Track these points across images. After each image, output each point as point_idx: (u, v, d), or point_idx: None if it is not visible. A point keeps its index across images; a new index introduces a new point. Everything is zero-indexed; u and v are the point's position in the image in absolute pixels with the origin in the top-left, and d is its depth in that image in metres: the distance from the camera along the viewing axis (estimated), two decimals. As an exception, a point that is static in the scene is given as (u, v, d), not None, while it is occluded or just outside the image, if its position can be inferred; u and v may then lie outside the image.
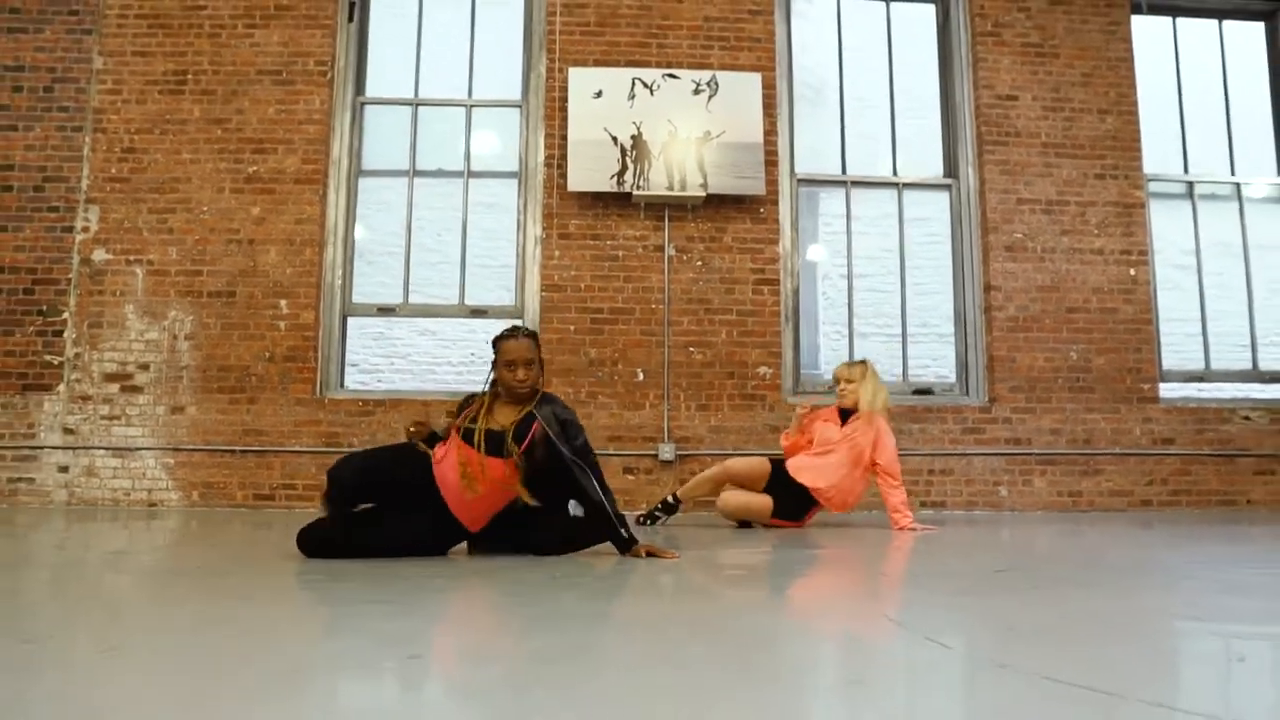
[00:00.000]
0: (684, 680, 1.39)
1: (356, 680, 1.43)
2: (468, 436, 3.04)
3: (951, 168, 6.40)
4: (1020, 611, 2.02)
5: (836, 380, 4.87)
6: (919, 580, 2.75)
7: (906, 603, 2.30)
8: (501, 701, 1.28)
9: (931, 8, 6.62)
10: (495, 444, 3.02)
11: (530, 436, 3.05)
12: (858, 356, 5.18)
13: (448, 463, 3.02)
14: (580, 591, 2.41)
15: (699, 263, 5.93)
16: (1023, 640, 1.70)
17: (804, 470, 4.68)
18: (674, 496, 4.84)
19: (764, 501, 4.64)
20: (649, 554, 3.05)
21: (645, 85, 5.89)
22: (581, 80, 5.86)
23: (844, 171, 6.40)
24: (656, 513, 4.82)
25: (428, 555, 3.09)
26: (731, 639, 1.76)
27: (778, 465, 4.76)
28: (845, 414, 4.83)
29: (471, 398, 3.23)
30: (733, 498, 4.69)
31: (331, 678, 1.45)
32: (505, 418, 3.08)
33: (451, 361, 7.15)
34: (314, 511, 5.47)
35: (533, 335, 3.17)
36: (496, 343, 3.16)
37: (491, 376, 3.21)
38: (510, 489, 3.07)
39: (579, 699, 1.26)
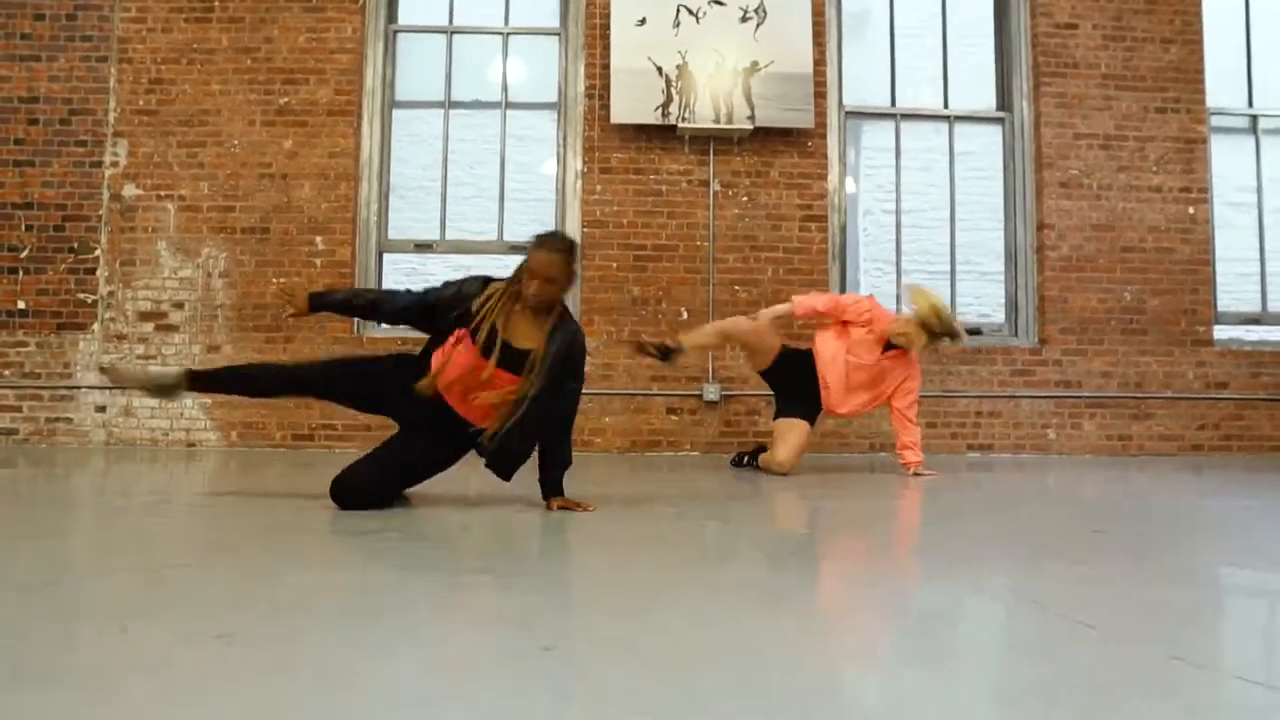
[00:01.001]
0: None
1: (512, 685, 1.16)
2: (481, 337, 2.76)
3: (1005, 100, 6.16)
4: (1152, 587, 1.89)
5: (905, 332, 4.30)
6: (1016, 543, 2.61)
7: (1018, 571, 2.10)
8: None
9: (986, -70, 6.30)
10: (511, 360, 2.76)
11: (527, 373, 2.78)
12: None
13: (454, 365, 2.76)
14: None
15: (745, 198, 5.75)
16: (1177, 622, 1.59)
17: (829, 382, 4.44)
18: (674, 341, 4.34)
19: (771, 347, 4.47)
20: (561, 507, 2.83)
21: (690, 12, 5.64)
22: (624, 6, 5.62)
23: (893, 103, 6.17)
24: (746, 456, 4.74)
25: (445, 469, 3.00)
26: (884, 611, 1.65)
27: (788, 352, 4.51)
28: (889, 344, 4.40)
29: (489, 281, 2.87)
30: (742, 326, 4.43)
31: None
32: (523, 333, 2.79)
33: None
34: (354, 453, 5.41)
35: (569, 248, 2.85)
36: (530, 248, 2.82)
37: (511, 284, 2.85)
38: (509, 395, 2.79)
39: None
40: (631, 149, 5.69)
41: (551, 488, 2.89)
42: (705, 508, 3.18)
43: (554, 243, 2.82)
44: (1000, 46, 6.20)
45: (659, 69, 5.56)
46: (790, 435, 4.36)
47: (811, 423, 4.46)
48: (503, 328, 2.76)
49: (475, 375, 2.74)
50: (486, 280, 2.87)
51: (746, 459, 4.70)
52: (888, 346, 4.39)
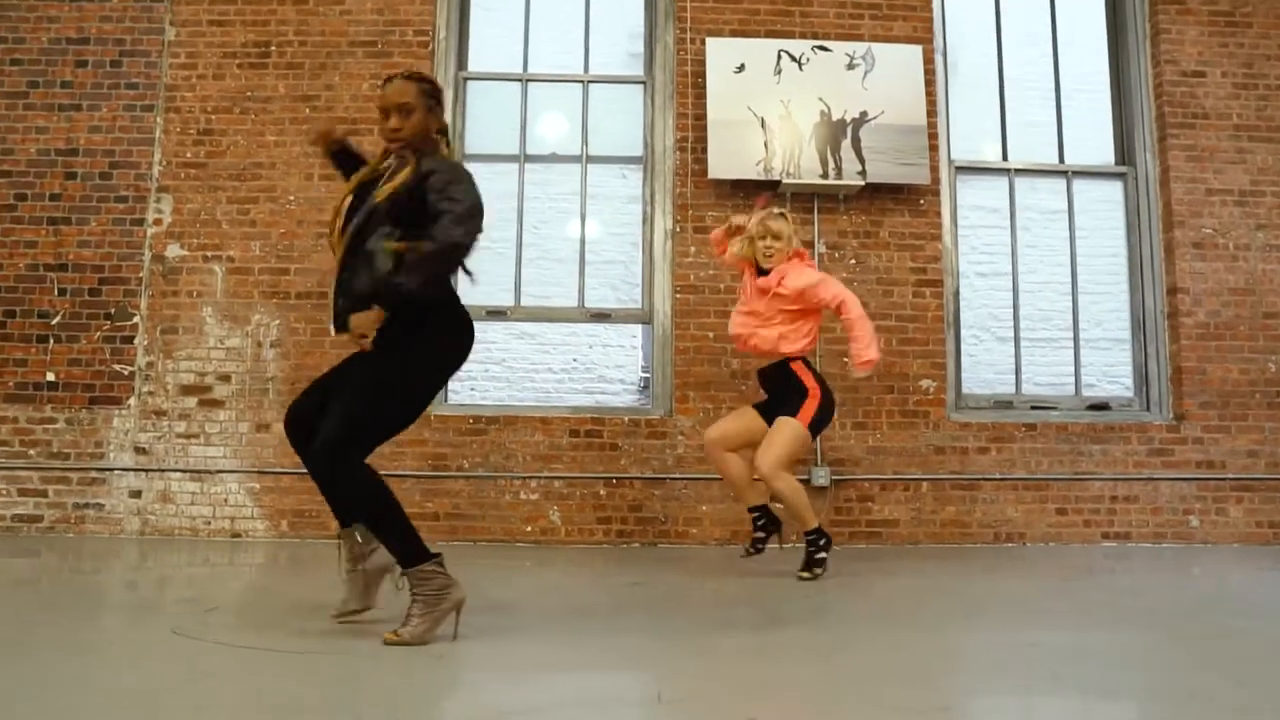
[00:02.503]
0: None
1: None
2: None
3: (1126, 153, 5.66)
4: None
5: (762, 236, 3.84)
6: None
7: None
8: None
9: (1099, -28, 5.86)
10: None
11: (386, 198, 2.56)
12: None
13: None
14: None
15: (853, 261, 5.21)
16: None
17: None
18: (754, 509, 3.96)
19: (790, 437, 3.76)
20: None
21: (793, 58, 5.16)
22: (721, 52, 5.14)
23: (1005, 157, 5.66)
24: (758, 536, 3.97)
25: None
26: None
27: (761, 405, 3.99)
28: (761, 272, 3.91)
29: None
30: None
31: None
32: (388, 186, 2.57)
33: (552, 368, 6.45)
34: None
35: (421, 76, 2.72)
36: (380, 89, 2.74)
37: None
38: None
39: None
40: (728, 206, 5.16)
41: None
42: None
43: (400, 75, 2.70)
44: (1119, 96, 5.71)
45: (760, 120, 5.06)
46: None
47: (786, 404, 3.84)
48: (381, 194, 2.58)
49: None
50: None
51: (757, 544, 3.99)
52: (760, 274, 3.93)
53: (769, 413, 3.89)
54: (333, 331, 2.65)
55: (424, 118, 2.64)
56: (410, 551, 2.52)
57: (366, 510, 2.56)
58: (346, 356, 2.68)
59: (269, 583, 3.87)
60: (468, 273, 2.67)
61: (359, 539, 2.69)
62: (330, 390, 2.63)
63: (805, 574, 3.69)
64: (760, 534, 3.93)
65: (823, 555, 3.72)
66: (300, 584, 3.60)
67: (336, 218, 2.71)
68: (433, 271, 2.54)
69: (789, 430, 3.74)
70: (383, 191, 2.57)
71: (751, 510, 3.97)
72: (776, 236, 3.84)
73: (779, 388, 3.90)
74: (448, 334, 2.67)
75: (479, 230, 2.56)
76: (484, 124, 5.53)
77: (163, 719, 1.79)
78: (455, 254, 2.55)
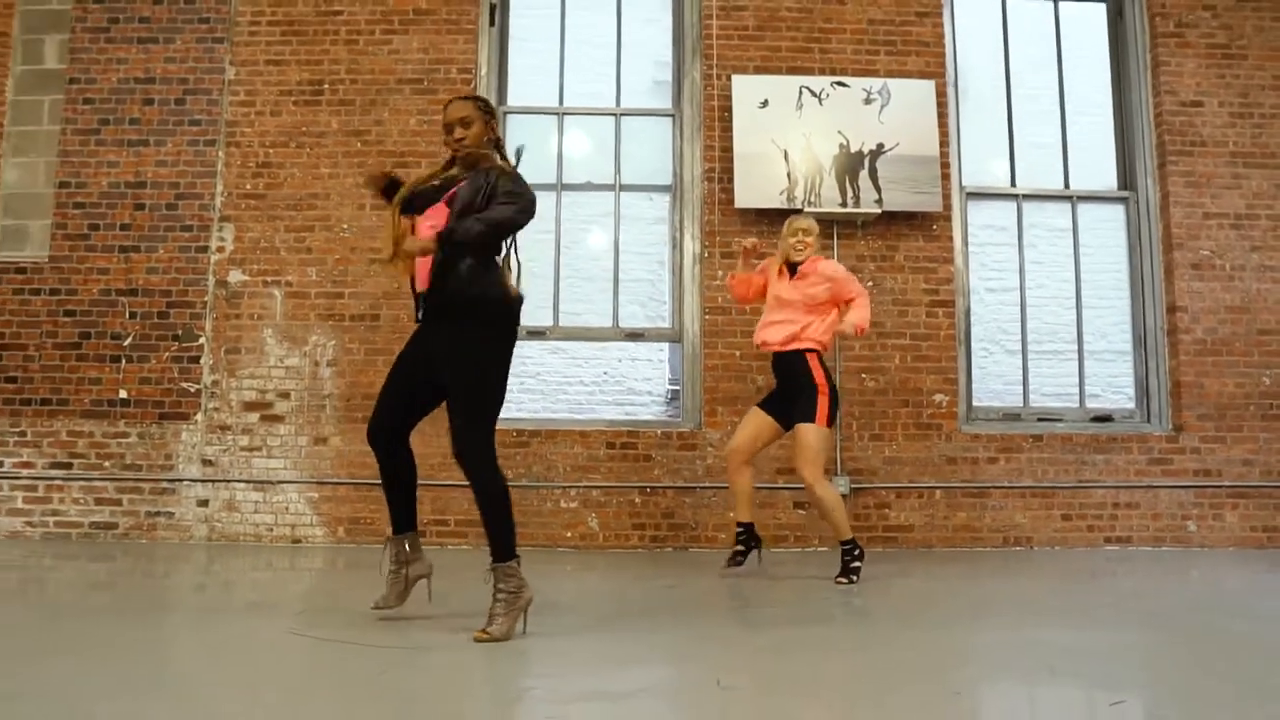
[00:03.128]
0: None
1: None
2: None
3: (1128, 179, 5.99)
4: None
5: (793, 234, 4.28)
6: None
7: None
8: None
9: (1101, 7, 6.19)
10: (424, 200, 3.02)
11: (448, 195, 2.95)
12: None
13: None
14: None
15: (870, 283, 5.55)
16: None
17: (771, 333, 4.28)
18: (741, 525, 4.36)
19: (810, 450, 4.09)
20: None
21: (813, 94, 5.51)
22: (746, 89, 5.49)
23: (1013, 183, 6.00)
24: (739, 551, 4.34)
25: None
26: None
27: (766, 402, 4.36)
28: (794, 268, 4.30)
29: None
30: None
31: None
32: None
33: (584, 381, 6.82)
34: (466, 548, 5.18)
35: (476, 96, 3.12)
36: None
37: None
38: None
39: None
40: (753, 233, 5.52)
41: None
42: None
43: (457, 97, 3.09)
44: (1120, 124, 6.05)
45: (783, 152, 5.41)
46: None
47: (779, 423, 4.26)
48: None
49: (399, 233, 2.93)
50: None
51: (738, 557, 4.35)
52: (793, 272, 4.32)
53: (777, 407, 4.25)
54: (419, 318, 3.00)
55: (482, 128, 2.99)
56: (508, 547, 2.89)
57: (492, 500, 2.89)
58: (405, 370, 3.01)
59: (335, 586, 4.23)
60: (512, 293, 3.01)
61: (407, 547, 3.11)
62: (407, 402, 3.01)
63: (843, 580, 4.04)
64: (742, 548, 4.31)
65: (858, 564, 4.07)
66: (365, 586, 3.97)
67: (395, 219, 2.96)
68: (487, 229, 2.83)
69: (813, 435, 4.07)
70: (469, 188, 2.92)
71: (740, 525, 4.33)
72: (808, 232, 4.28)
73: (792, 380, 4.20)
74: (501, 324, 2.96)
75: (530, 216, 2.95)
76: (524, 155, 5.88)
77: (328, 709, 2.16)
78: (506, 225, 2.88)
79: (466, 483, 2.92)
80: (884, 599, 3.83)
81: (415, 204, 3.00)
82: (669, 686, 2.44)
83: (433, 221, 2.90)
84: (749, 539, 4.34)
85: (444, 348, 2.89)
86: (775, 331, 4.24)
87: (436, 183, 3.04)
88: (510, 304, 2.96)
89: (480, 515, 2.91)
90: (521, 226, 2.94)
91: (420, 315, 2.98)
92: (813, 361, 4.18)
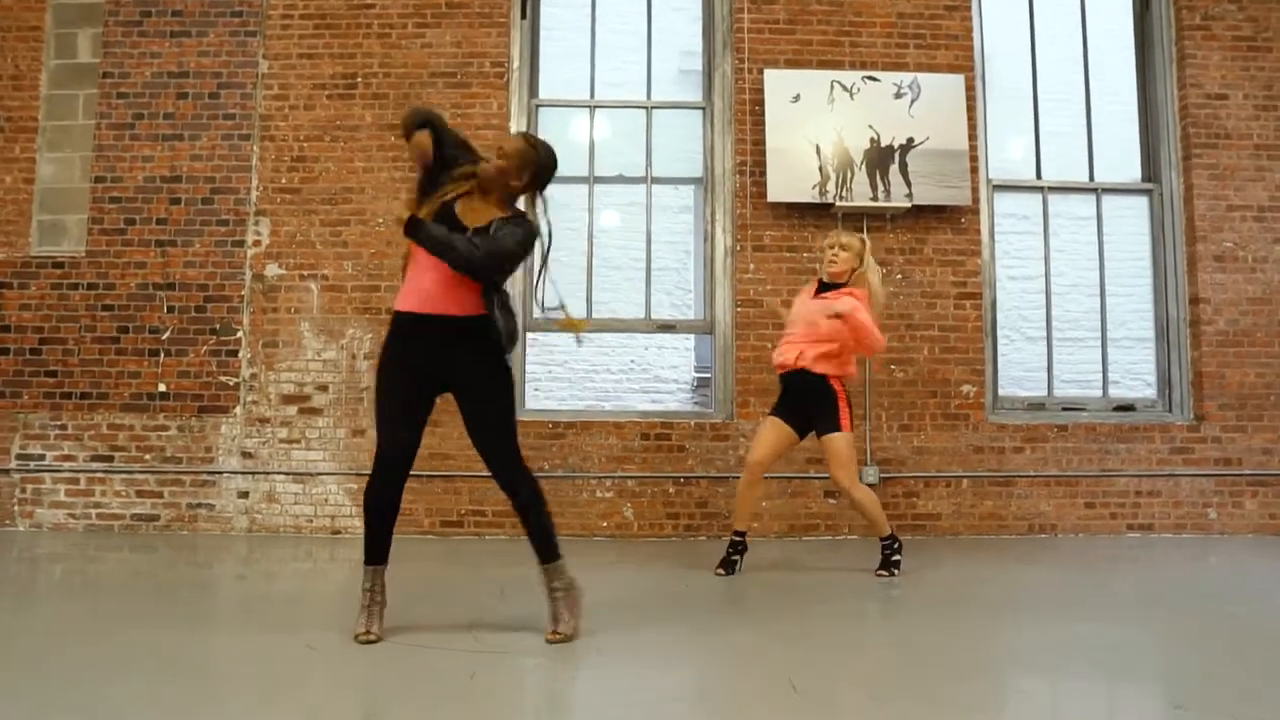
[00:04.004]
0: None
1: None
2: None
3: (1152, 171, 6.06)
4: None
5: (831, 245, 4.25)
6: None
7: None
8: None
9: (1127, 0, 6.22)
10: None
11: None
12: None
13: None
14: None
15: (899, 276, 5.63)
16: None
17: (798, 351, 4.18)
18: (736, 534, 4.35)
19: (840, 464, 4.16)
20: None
21: (844, 88, 5.56)
22: (778, 83, 5.53)
23: (1039, 175, 6.07)
24: (734, 558, 4.31)
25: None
26: None
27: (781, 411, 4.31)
28: (825, 288, 4.26)
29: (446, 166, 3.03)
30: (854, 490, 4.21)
31: None
32: (475, 216, 2.95)
33: (610, 370, 6.90)
34: (504, 539, 5.28)
35: (536, 142, 3.10)
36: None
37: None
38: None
39: None
40: (784, 226, 5.59)
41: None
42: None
43: (525, 133, 3.17)
44: (1146, 117, 6.10)
45: (815, 146, 5.46)
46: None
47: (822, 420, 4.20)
48: (466, 214, 2.93)
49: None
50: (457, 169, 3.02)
51: (731, 564, 4.31)
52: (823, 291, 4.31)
53: (792, 416, 4.24)
54: (506, 353, 3.03)
55: (519, 176, 3.01)
56: (556, 546, 3.00)
57: (542, 505, 3.00)
58: (415, 388, 3.00)
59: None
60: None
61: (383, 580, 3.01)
62: (422, 423, 3.02)
63: (883, 573, 4.17)
64: (735, 556, 4.30)
65: (897, 558, 4.18)
66: (412, 581, 4.06)
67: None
68: (443, 248, 2.86)
69: (843, 443, 4.16)
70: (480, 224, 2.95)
71: (737, 534, 4.33)
72: (845, 247, 4.23)
73: (812, 399, 4.19)
74: (504, 347, 3.01)
75: (494, 268, 2.92)
76: (555, 147, 5.92)
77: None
78: (455, 257, 2.86)
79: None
80: (921, 590, 3.95)
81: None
82: (744, 688, 2.54)
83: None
84: (743, 546, 4.34)
85: (479, 371, 2.95)
86: (789, 352, 4.22)
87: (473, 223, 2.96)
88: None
89: (532, 524, 2.99)
90: (464, 266, 2.88)
91: (429, 334, 2.94)
92: (835, 384, 4.21)
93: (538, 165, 3.04)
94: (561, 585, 2.96)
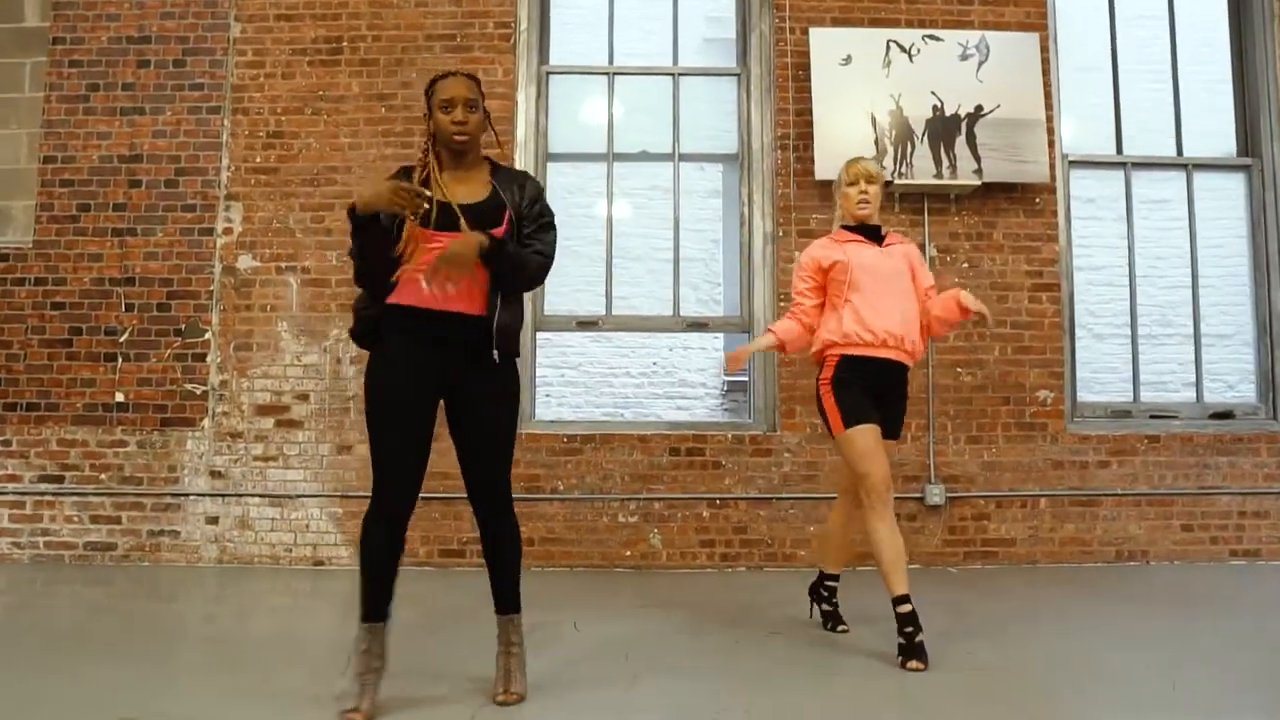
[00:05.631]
0: None
1: None
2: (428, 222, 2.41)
3: (1250, 145, 5.30)
4: None
5: (852, 181, 3.22)
6: None
7: None
8: None
9: (1218, -49, 5.47)
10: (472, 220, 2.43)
11: (508, 216, 2.49)
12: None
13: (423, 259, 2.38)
14: None
15: (965, 264, 4.90)
16: None
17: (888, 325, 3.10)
18: (821, 575, 3.47)
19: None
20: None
21: (902, 49, 4.82)
22: (825, 43, 4.80)
23: (1119, 150, 5.31)
24: (826, 608, 3.44)
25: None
26: None
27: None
28: (866, 232, 3.25)
29: (405, 172, 2.53)
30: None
31: None
32: (465, 192, 2.48)
33: (630, 372, 6.18)
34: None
35: (475, 78, 2.61)
36: (430, 88, 2.57)
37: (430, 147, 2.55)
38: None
39: None
40: (832, 208, 4.83)
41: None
42: None
43: (452, 72, 2.59)
44: (1242, 82, 5.34)
45: (870, 115, 4.72)
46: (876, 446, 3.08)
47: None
48: (449, 196, 2.44)
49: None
50: (404, 169, 2.55)
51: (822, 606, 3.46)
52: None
53: (880, 413, 3.12)
54: (496, 358, 2.50)
55: (482, 119, 2.57)
56: (520, 595, 2.62)
57: (520, 550, 2.64)
58: (419, 416, 2.47)
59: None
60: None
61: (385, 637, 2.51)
62: (426, 458, 2.50)
63: (917, 664, 2.89)
64: (832, 604, 3.42)
65: (920, 637, 2.96)
66: (402, 622, 3.34)
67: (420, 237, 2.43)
68: (540, 269, 2.57)
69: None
70: (504, 201, 2.51)
71: (832, 578, 3.44)
72: (871, 180, 3.19)
73: (899, 383, 3.20)
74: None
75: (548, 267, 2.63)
76: (567, 120, 5.21)
77: None
78: (532, 274, 2.57)
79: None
80: (1006, 647, 3.20)
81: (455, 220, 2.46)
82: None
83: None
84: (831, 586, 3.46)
85: (490, 388, 2.51)
86: (905, 321, 3.15)
87: (468, 202, 2.47)
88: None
89: (504, 567, 2.62)
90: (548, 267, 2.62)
91: (432, 339, 2.47)
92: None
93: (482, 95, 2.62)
94: (519, 640, 2.62)
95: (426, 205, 2.36)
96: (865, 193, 3.20)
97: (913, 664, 2.86)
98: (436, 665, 2.87)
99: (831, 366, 3.13)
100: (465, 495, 2.58)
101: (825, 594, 3.44)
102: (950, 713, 2.51)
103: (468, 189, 2.50)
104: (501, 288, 2.48)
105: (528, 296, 4.90)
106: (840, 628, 3.36)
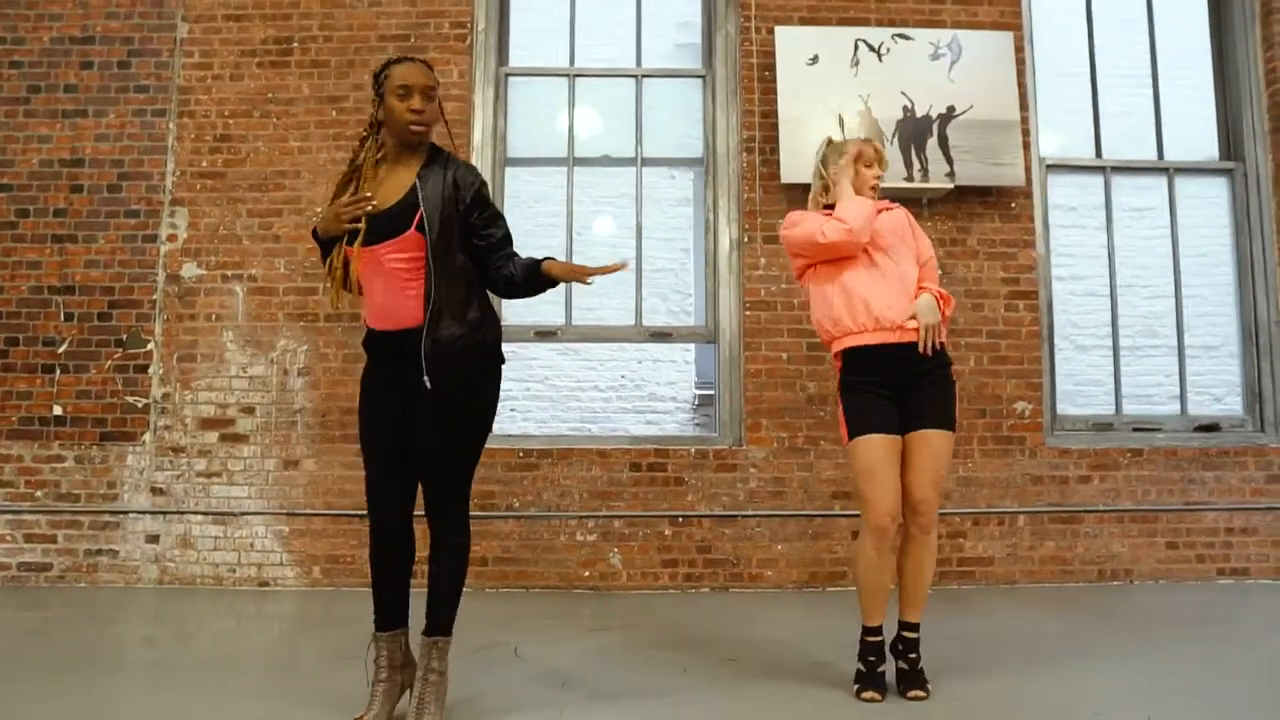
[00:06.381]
0: None
1: None
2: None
3: (1233, 148, 5.14)
4: None
5: (869, 162, 2.97)
6: None
7: None
8: None
9: (1199, -51, 5.33)
10: (382, 229, 2.33)
11: (417, 218, 2.34)
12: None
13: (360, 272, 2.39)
14: None
15: (939, 271, 4.69)
16: None
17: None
18: (901, 626, 2.82)
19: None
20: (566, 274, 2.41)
21: (871, 48, 4.66)
22: (791, 42, 4.64)
23: (1098, 153, 5.15)
24: (907, 669, 2.76)
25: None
26: None
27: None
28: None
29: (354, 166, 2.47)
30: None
31: None
32: (387, 189, 2.38)
33: (599, 386, 5.98)
34: (465, 591, 4.36)
35: (430, 65, 2.53)
36: (382, 72, 2.45)
37: (372, 134, 2.46)
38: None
39: None
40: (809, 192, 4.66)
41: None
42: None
43: (407, 57, 2.52)
44: (1224, 84, 5.19)
45: (839, 117, 4.55)
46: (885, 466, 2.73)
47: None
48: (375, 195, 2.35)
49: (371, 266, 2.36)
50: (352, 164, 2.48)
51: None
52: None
53: (901, 414, 2.76)
54: (427, 384, 2.34)
55: (438, 108, 2.47)
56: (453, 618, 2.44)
57: (465, 568, 2.47)
58: (391, 433, 2.44)
59: (319, 645, 3.40)
60: None
61: (402, 646, 2.48)
62: (409, 472, 2.44)
63: (918, 693, 2.70)
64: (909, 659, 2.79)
65: (883, 668, 2.76)
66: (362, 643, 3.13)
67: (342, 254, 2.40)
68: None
69: (951, 445, 2.83)
70: (435, 198, 2.38)
71: (878, 634, 2.78)
72: (883, 160, 2.99)
73: (918, 377, 2.77)
74: (497, 363, 2.53)
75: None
76: (527, 124, 5.03)
77: None
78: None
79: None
80: (997, 680, 2.99)
81: (372, 232, 2.35)
82: None
83: (400, 253, 2.34)
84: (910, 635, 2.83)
85: (441, 389, 2.36)
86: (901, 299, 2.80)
87: (382, 203, 2.37)
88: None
89: (449, 581, 2.44)
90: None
91: (391, 357, 2.43)
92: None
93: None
94: (440, 669, 2.41)
95: (371, 206, 2.30)
96: (879, 176, 2.96)
97: (868, 694, 2.66)
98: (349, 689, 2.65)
99: (838, 367, 2.85)
100: (414, 513, 2.47)
101: (901, 647, 2.78)
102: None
103: (390, 186, 2.39)
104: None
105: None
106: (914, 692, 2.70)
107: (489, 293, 2.50)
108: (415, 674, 2.41)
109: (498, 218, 2.47)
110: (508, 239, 2.48)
